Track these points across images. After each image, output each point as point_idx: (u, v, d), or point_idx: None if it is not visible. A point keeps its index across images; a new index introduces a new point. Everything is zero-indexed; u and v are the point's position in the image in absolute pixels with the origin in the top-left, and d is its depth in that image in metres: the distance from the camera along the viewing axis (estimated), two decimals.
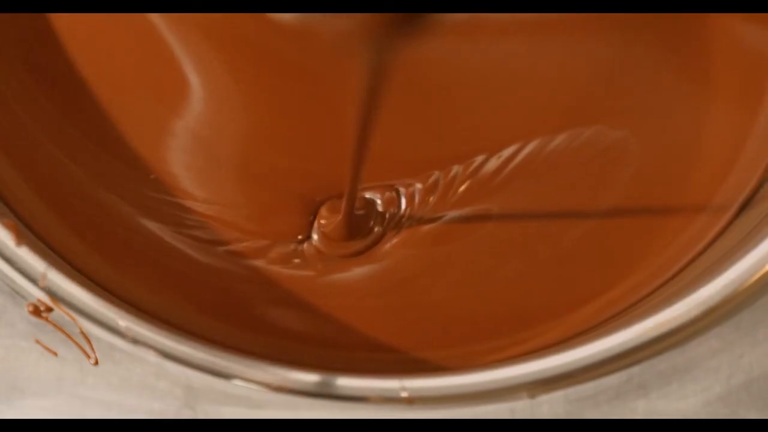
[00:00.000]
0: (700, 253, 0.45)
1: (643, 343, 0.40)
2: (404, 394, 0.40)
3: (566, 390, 0.40)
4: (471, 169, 0.47)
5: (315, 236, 0.46)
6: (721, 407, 0.39)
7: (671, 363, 0.40)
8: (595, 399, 0.40)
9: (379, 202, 0.46)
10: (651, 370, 0.40)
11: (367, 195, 0.46)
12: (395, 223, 0.46)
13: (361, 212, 0.46)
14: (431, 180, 0.47)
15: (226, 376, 0.40)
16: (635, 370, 0.40)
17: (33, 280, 0.41)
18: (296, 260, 0.46)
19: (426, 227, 0.46)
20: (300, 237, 0.46)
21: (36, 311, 0.40)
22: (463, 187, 0.46)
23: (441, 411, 0.40)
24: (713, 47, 0.48)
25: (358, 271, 0.46)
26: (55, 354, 0.40)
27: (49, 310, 0.40)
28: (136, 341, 0.40)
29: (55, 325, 0.40)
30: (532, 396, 0.40)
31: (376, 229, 0.46)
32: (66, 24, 0.48)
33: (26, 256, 0.41)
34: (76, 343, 0.40)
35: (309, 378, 0.40)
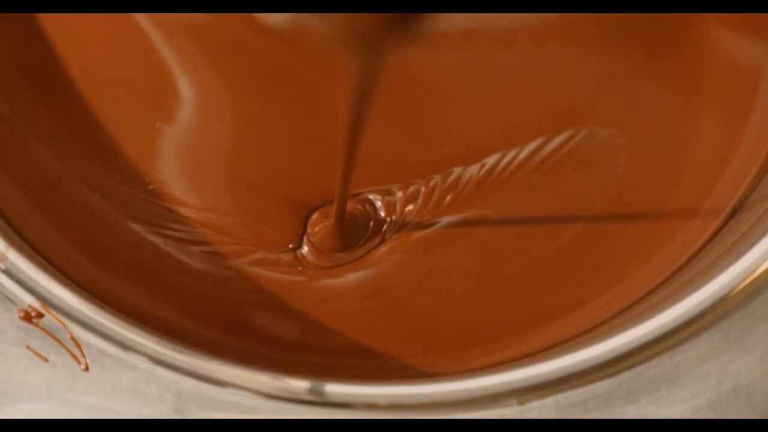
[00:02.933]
0: (690, 259, 0.45)
1: (633, 349, 0.40)
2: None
3: (556, 396, 0.40)
4: (462, 175, 0.47)
5: (306, 244, 0.46)
6: (710, 414, 0.40)
7: (661, 369, 0.40)
8: (584, 405, 0.40)
9: (369, 208, 0.47)
10: (640, 377, 0.40)
11: (359, 201, 0.46)
12: (385, 229, 0.46)
13: (352, 219, 0.46)
14: (422, 186, 0.47)
15: (216, 382, 0.40)
16: (625, 376, 0.40)
17: (24, 285, 0.41)
18: (287, 267, 0.46)
19: (416, 234, 0.46)
20: (291, 245, 0.46)
21: (27, 317, 0.40)
22: (453, 194, 0.46)
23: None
24: (704, 55, 0.48)
25: (350, 277, 0.46)
26: (46, 360, 0.40)
27: (40, 315, 0.40)
28: (126, 347, 0.40)
29: (45, 331, 0.40)
30: (522, 402, 0.40)
31: (366, 236, 0.46)
32: (58, 29, 0.48)
33: (17, 261, 0.41)
34: (67, 349, 0.40)
35: (299, 384, 0.40)
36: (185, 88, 0.47)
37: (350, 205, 0.46)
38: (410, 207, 0.46)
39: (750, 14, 0.47)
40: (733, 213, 0.46)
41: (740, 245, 0.42)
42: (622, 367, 0.40)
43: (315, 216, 0.46)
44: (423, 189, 0.47)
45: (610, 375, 0.40)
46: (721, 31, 0.48)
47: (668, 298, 0.41)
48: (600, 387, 0.40)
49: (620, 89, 0.48)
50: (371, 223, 0.46)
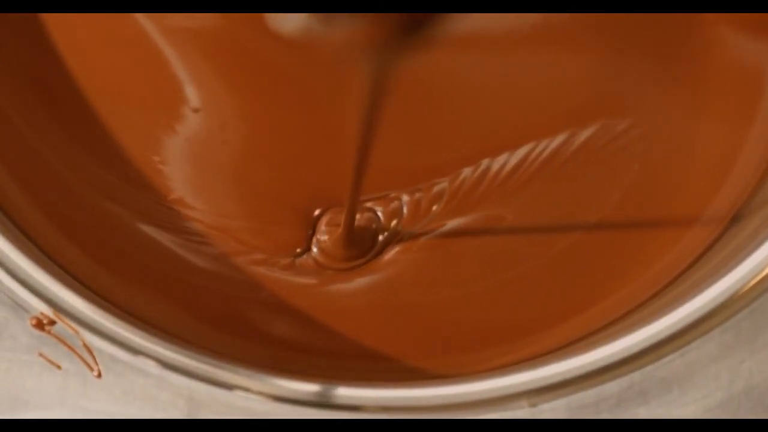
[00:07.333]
0: (699, 259, 0.45)
1: (644, 349, 0.40)
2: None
3: (567, 398, 0.40)
4: (470, 178, 0.47)
5: (315, 248, 0.46)
6: (721, 414, 0.40)
7: (672, 370, 0.40)
8: (596, 407, 0.40)
9: (378, 214, 0.47)
10: (652, 377, 0.40)
11: (366, 207, 0.47)
12: (394, 234, 0.46)
13: (360, 224, 0.46)
14: (430, 189, 0.47)
15: (227, 386, 0.40)
16: (636, 377, 0.40)
17: (36, 292, 0.41)
18: (296, 271, 0.46)
19: (424, 238, 0.46)
20: (299, 250, 0.46)
21: (39, 324, 0.40)
22: (460, 197, 0.47)
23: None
24: (707, 60, 0.48)
25: (359, 280, 0.46)
26: (59, 367, 0.40)
27: (52, 323, 0.40)
28: (137, 352, 0.40)
29: (57, 338, 0.40)
30: (533, 404, 0.40)
31: (375, 241, 0.46)
32: (68, 39, 0.48)
33: (29, 268, 0.41)
34: (79, 356, 0.40)
35: (310, 388, 0.40)
36: (194, 93, 0.47)
37: (359, 211, 0.46)
38: (418, 211, 0.46)
39: (755, 16, 0.47)
40: (741, 214, 0.46)
41: (749, 244, 0.42)
42: (633, 368, 0.40)
43: (324, 220, 0.46)
44: (431, 193, 0.47)
45: (621, 375, 0.40)
46: (725, 34, 0.48)
47: (678, 298, 0.41)
48: (611, 388, 0.40)
49: (625, 92, 0.48)
50: (379, 228, 0.46)
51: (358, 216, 0.46)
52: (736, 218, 0.46)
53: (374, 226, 0.46)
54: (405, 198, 0.47)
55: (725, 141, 0.47)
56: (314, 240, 0.46)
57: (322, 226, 0.46)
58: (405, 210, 0.46)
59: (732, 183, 0.47)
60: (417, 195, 0.47)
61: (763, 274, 0.41)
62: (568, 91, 0.48)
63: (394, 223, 0.46)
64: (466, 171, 0.47)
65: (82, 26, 0.48)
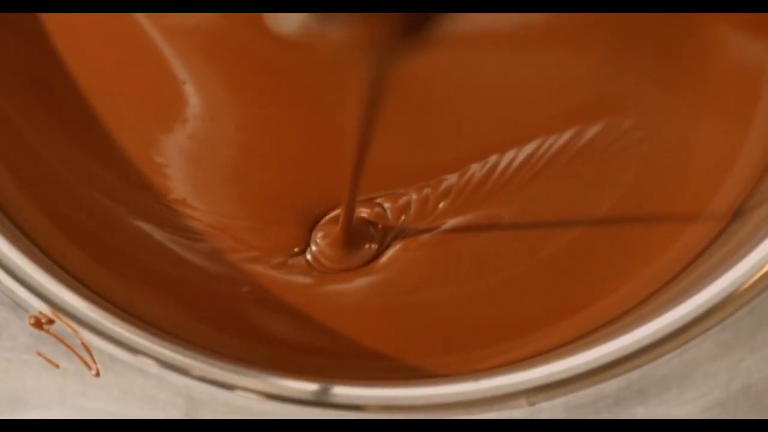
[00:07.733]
0: (698, 257, 0.45)
1: (643, 348, 0.40)
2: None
3: (566, 397, 0.40)
4: (470, 176, 0.47)
5: (313, 248, 0.46)
6: (719, 413, 0.40)
7: (670, 369, 0.40)
8: (594, 406, 0.40)
9: (376, 212, 0.47)
10: (650, 376, 0.40)
11: (365, 206, 0.47)
12: (393, 233, 0.46)
13: (359, 224, 0.46)
14: (429, 188, 0.47)
15: (226, 386, 0.40)
16: (634, 376, 0.40)
17: (35, 292, 0.41)
18: (296, 270, 0.46)
19: (423, 237, 0.46)
20: (297, 249, 0.46)
21: (38, 323, 0.40)
22: (461, 195, 0.47)
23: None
24: (707, 60, 0.48)
25: (358, 280, 0.46)
26: (57, 366, 0.40)
27: (51, 322, 0.40)
28: (136, 351, 0.40)
29: (56, 337, 0.40)
30: (532, 403, 0.40)
31: (373, 241, 0.46)
32: (66, 37, 0.48)
33: (28, 268, 0.41)
34: (78, 355, 0.40)
35: (309, 387, 0.40)
36: (193, 93, 0.47)
37: (357, 210, 0.46)
38: (425, 207, 0.47)
39: (755, 16, 0.47)
40: (740, 212, 0.46)
41: (748, 242, 0.42)
42: (632, 367, 0.40)
43: (323, 220, 0.46)
44: (439, 189, 0.47)
45: (620, 374, 0.40)
46: (725, 34, 0.48)
47: (677, 296, 0.42)
48: (610, 387, 0.40)
49: (625, 92, 0.48)
50: (378, 227, 0.46)
51: (368, 211, 0.46)
52: (735, 216, 0.46)
53: (373, 224, 0.46)
54: (413, 195, 0.47)
55: (725, 141, 0.47)
56: (313, 239, 0.46)
57: (323, 225, 0.46)
58: (412, 206, 0.47)
59: (732, 182, 0.47)
60: (425, 191, 0.47)
61: (763, 272, 0.41)
62: (568, 91, 0.48)
63: (392, 221, 0.46)
64: (475, 167, 0.47)
65: (82, 26, 0.48)
